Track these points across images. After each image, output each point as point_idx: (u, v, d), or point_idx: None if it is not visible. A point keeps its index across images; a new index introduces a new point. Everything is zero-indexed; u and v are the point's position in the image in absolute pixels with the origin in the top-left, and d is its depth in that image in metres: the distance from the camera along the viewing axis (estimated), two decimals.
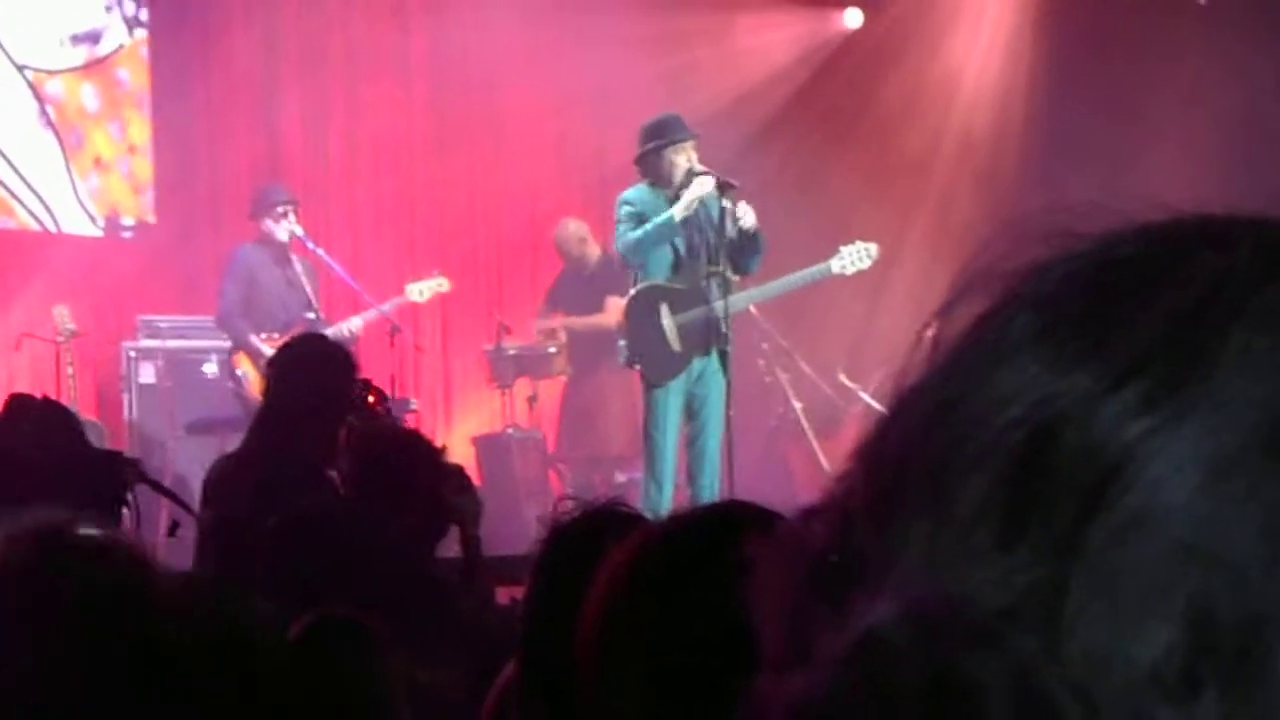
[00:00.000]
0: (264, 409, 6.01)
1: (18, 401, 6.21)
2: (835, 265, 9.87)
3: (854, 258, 9.92)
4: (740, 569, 1.93)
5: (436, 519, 5.36)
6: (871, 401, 11.99)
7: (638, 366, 9.63)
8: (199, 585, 3.13)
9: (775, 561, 0.78)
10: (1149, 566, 0.67)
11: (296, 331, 10.52)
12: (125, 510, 6.04)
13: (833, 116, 13.77)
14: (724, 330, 9.44)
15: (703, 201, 9.52)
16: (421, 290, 11.51)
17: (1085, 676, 0.67)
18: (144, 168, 12.74)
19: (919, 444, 0.73)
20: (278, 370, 6.06)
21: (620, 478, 11.66)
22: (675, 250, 9.53)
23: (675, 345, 9.45)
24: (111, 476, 5.85)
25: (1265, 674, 0.66)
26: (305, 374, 5.89)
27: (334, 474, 5.63)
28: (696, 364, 9.47)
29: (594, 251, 11.98)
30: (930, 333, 0.77)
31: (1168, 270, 0.72)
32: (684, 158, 9.48)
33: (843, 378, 12.30)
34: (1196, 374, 0.69)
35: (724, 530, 1.94)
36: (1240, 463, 0.68)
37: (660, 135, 9.52)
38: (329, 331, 10.21)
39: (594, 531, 2.52)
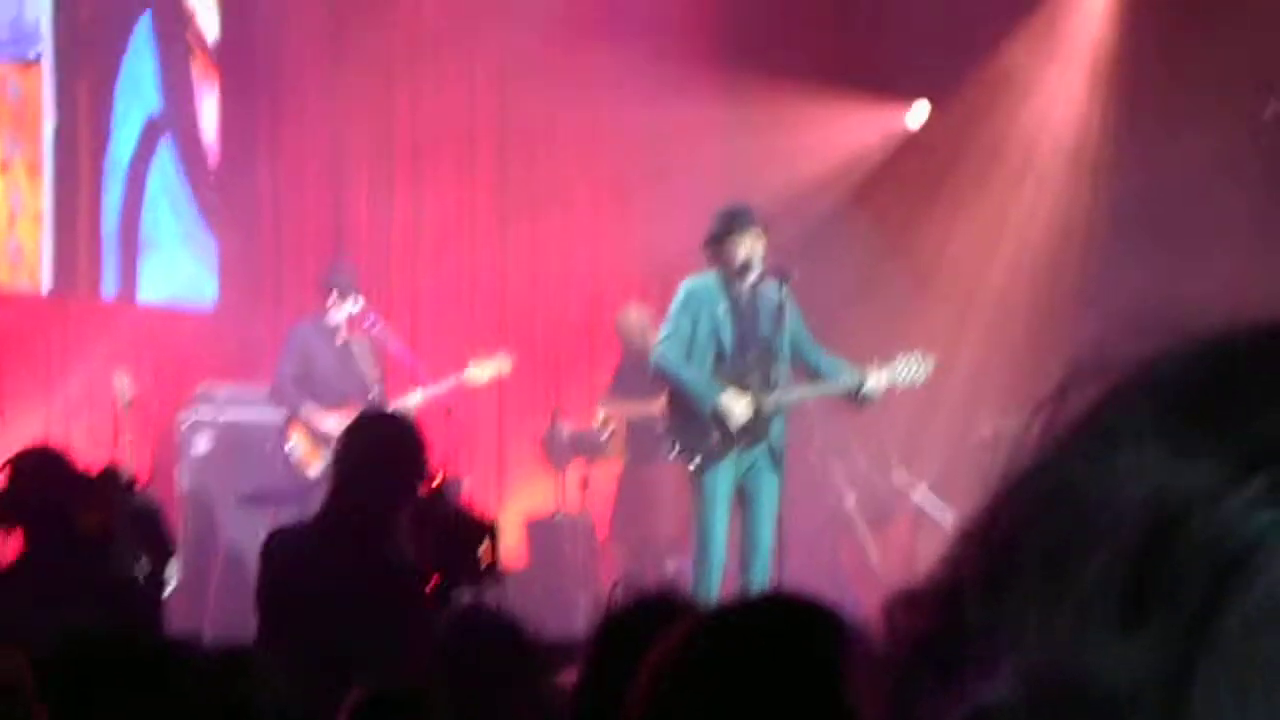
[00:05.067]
0: (334, 481, 6.02)
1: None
2: (887, 376, 9.73)
3: (907, 371, 9.81)
4: (792, 659, 1.93)
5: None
6: (923, 497, 11.95)
7: (679, 456, 9.63)
8: (223, 661, 3.17)
9: (879, 642, 0.78)
10: None
11: (352, 408, 10.56)
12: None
13: (894, 211, 13.78)
14: (769, 424, 9.44)
15: (758, 293, 9.54)
16: (481, 371, 11.52)
17: None
18: None
19: (1036, 524, 0.73)
20: (348, 444, 6.08)
21: (671, 565, 11.63)
22: (719, 344, 9.54)
23: (716, 435, 9.45)
24: None
25: None
26: (376, 449, 5.91)
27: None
28: (745, 456, 9.46)
29: (655, 340, 12.00)
30: (1041, 418, 0.77)
31: None
32: (745, 248, 9.49)
33: (896, 472, 12.26)
34: None
35: (772, 622, 1.94)
36: None
37: (725, 223, 9.56)
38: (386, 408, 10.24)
39: (645, 620, 2.53)
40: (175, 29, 12.92)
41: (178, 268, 12.85)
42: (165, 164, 12.84)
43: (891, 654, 0.77)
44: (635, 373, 11.83)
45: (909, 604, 0.78)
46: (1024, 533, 0.73)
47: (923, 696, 0.73)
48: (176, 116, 12.90)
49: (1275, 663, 0.67)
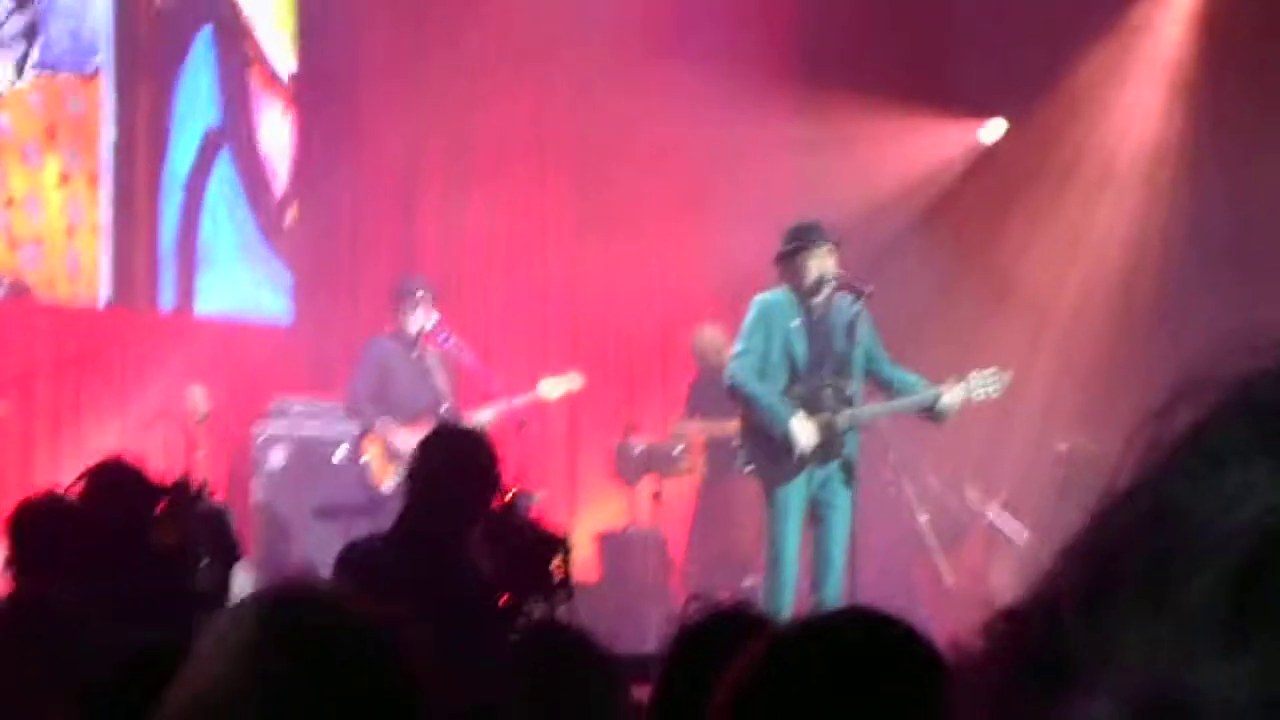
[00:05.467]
0: (410, 495, 6.06)
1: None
2: (963, 391, 9.67)
3: (983, 386, 9.74)
4: (871, 677, 1.92)
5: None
6: (998, 516, 11.90)
7: (754, 471, 9.62)
8: None
9: (977, 661, 0.78)
10: None
11: (426, 421, 10.61)
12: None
13: (968, 227, 13.74)
14: (843, 441, 9.42)
15: (831, 309, 9.52)
16: (554, 387, 11.57)
17: None
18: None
19: (1138, 542, 0.72)
20: (423, 458, 6.11)
21: (746, 582, 11.61)
22: (793, 360, 9.52)
23: (790, 453, 9.43)
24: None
25: None
26: (451, 463, 5.95)
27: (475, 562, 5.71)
28: (819, 472, 9.43)
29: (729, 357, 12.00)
30: (1143, 436, 0.76)
31: None
32: (816, 263, 9.48)
33: (969, 492, 12.21)
34: None
35: (851, 638, 1.94)
36: None
37: (798, 238, 9.55)
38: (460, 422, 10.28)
39: (720, 635, 2.52)
40: (235, 41, 13.00)
41: (235, 281, 12.89)
42: (224, 177, 12.91)
43: (992, 670, 0.76)
44: (711, 390, 11.83)
45: (1010, 620, 0.78)
46: (1126, 550, 0.73)
47: (1023, 713, 0.73)
48: (235, 129, 12.97)
49: None
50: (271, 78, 13.19)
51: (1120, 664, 0.70)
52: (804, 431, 9.39)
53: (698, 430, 12.17)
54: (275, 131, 13.16)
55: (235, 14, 13.02)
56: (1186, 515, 0.71)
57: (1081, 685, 0.71)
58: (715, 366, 11.98)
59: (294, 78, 13.22)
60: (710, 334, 12.32)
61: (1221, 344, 0.76)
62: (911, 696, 1.82)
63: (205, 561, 6.19)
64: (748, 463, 9.63)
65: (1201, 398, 0.75)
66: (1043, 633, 0.74)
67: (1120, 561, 0.72)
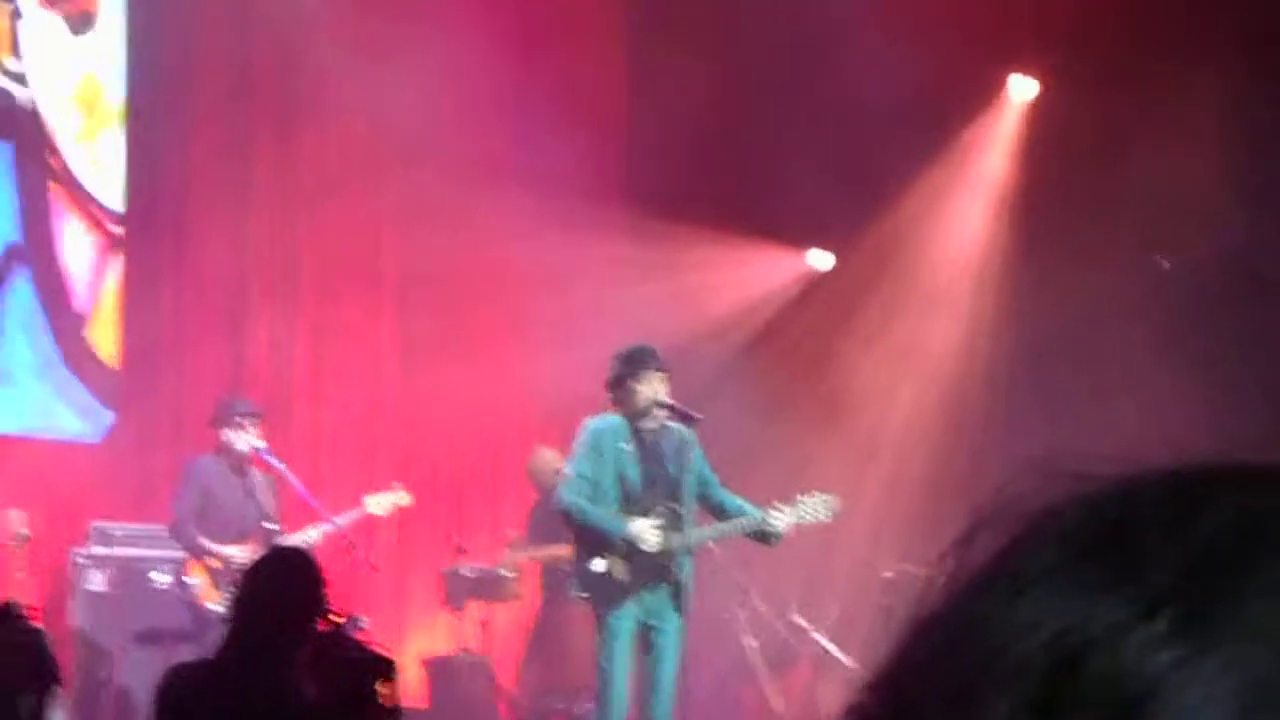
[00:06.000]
0: (236, 617, 5.97)
1: None
2: (793, 516, 9.72)
3: (812, 510, 9.81)
4: None
5: None
6: (824, 641, 11.92)
7: (585, 596, 9.59)
8: None
9: None
10: None
11: (252, 542, 10.47)
12: None
13: (798, 350, 13.86)
14: (674, 566, 9.42)
15: (663, 434, 9.54)
16: (380, 503, 11.46)
17: None
18: None
19: (941, 667, 0.73)
20: (251, 579, 6.05)
21: (578, 708, 11.55)
22: (626, 483, 9.52)
23: (622, 576, 9.41)
24: None
25: None
26: (278, 585, 5.88)
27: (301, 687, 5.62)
28: (649, 597, 9.41)
29: None
30: (948, 564, 0.77)
31: (1197, 506, 0.73)
32: (649, 389, 9.50)
33: (796, 616, 12.23)
34: (1227, 604, 0.69)
35: None
36: (1272, 692, 0.67)
37: (629, 364, 9.57)
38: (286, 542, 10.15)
39: None
40: (36, 156, 12.82)
41: (32, 401, 12.66)
42: (21, 295, 12.71)
43: None
44: (549, 514, 11.81)
45: None
46: (928, 677, 0.73)
47: None
48: (35, 247, 12.79)
49: None
50: (76, 194, 13.01)
51: None
52: (647, 532, 9.38)
53: (535, 554, 12.12)
54: (78, 249, 12.97)
55: (38, 129, 12.85)
56: (985, 642, 0.72)
57: None
58: (553, 489, 11.97)
59: (124, 212, 13.07)
60: (547, 457, 12.30)
61: (1026, 471, 0.77)
62: None
63: (22, 690, 6.04)
64: (579, 588, 9.60)
65: (1003, 525, 0.76)
66: None
67: (922, 689, 0.73)
